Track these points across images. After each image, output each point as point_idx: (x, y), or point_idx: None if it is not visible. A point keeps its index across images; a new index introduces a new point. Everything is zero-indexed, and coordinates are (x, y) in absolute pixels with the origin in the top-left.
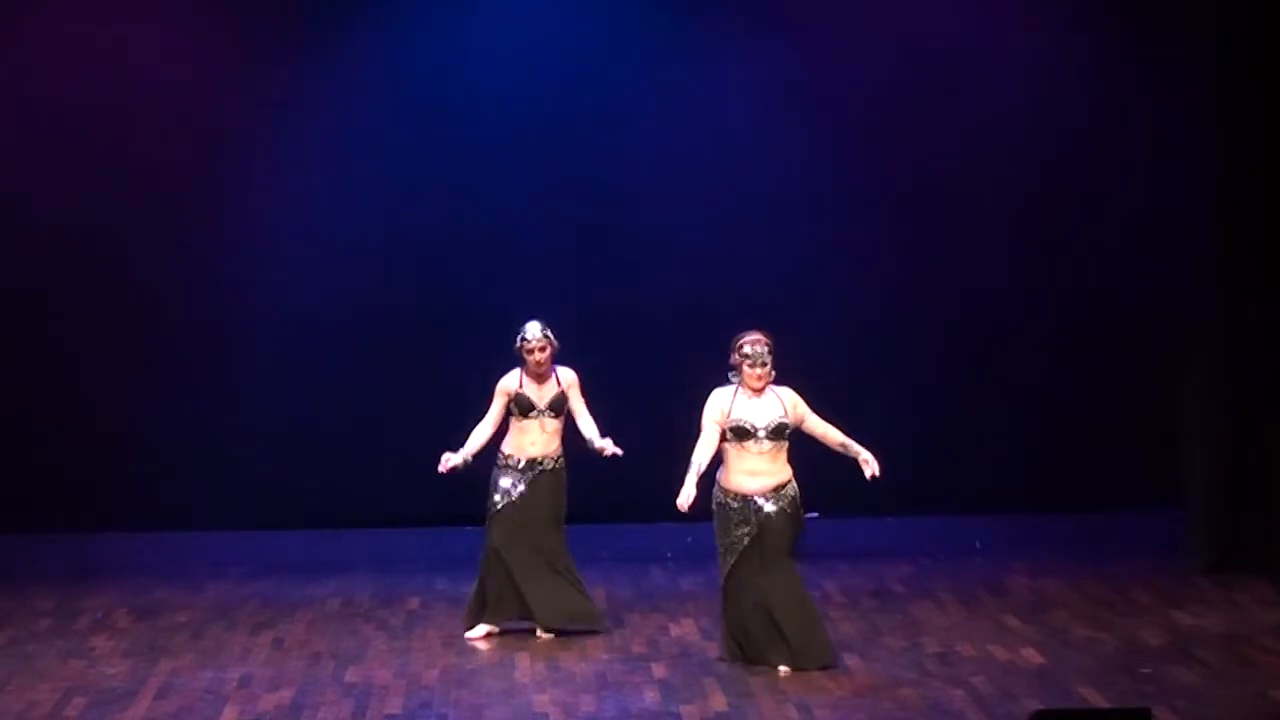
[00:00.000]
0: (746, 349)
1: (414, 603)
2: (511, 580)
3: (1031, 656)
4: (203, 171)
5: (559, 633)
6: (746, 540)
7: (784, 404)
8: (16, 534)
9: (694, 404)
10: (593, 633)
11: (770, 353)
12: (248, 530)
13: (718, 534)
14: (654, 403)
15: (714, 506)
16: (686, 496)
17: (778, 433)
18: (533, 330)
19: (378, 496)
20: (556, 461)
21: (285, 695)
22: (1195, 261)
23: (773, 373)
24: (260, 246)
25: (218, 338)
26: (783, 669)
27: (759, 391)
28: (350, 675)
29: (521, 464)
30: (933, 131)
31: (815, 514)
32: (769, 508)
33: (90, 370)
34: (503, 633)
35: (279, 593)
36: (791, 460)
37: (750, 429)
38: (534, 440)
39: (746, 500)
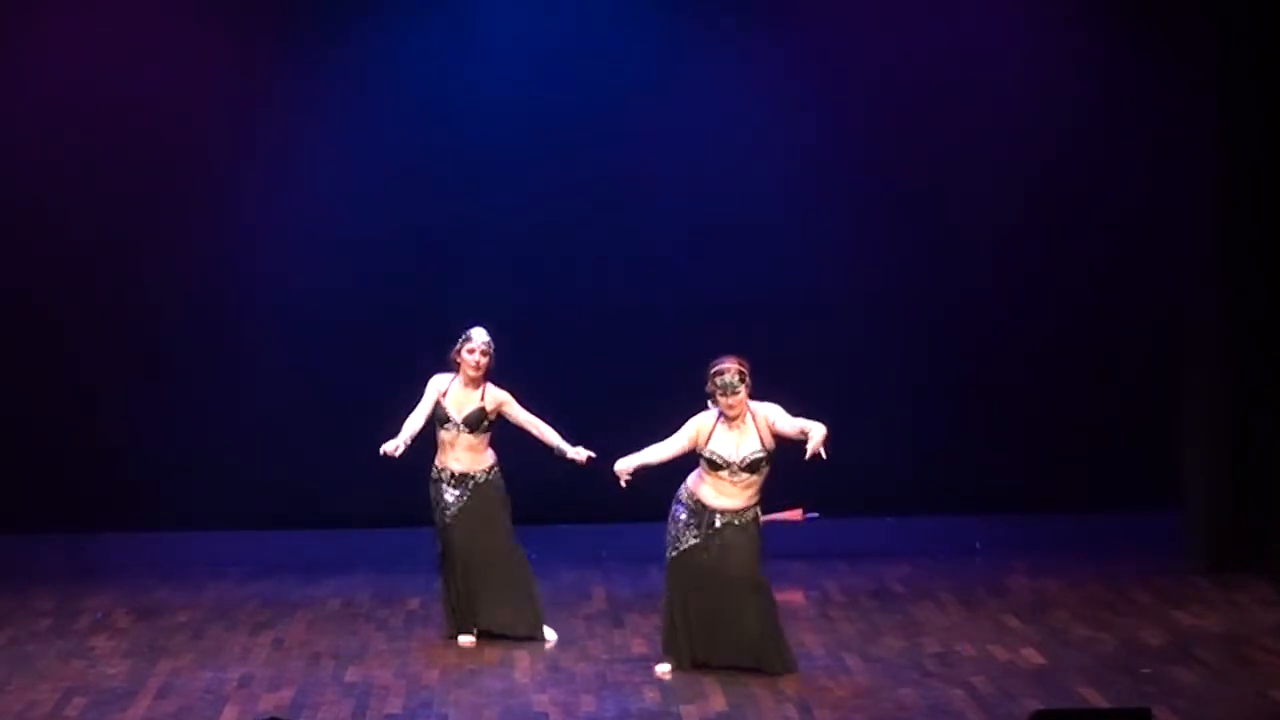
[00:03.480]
0: (718, 378)
1: (414, 603)
2: (468, 594)
3: (1031, 656)
4: (203, 171)
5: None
6: (691, 542)
7: (760, 433)
8: (16, 534)
9: (696, 403)
10: (532, 639)
11: (742, 380)
12: (248, 530)
13: (669, 532)
14: (656, 401)
15: (675, 504)
16: (624, 467)
17: (752, 468)
18: (479, 333)
19: (378, 496)
20: (489, 474)
21: (285, 695)
22: (1195, 261)
23: (746, 400)
24: (261, 247)
25: (218, 338)
26: (663, 670)
27: (736, 419)
28: (350, 675)
29: (451, 478)
30: (932, 131)
31: (815, 514)
32: (723, 522)
33: (90, 370)
34: (500, 634)
35: (279, 593)
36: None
37: (723, 463)
38: (457, 456)
39: (704, 510)
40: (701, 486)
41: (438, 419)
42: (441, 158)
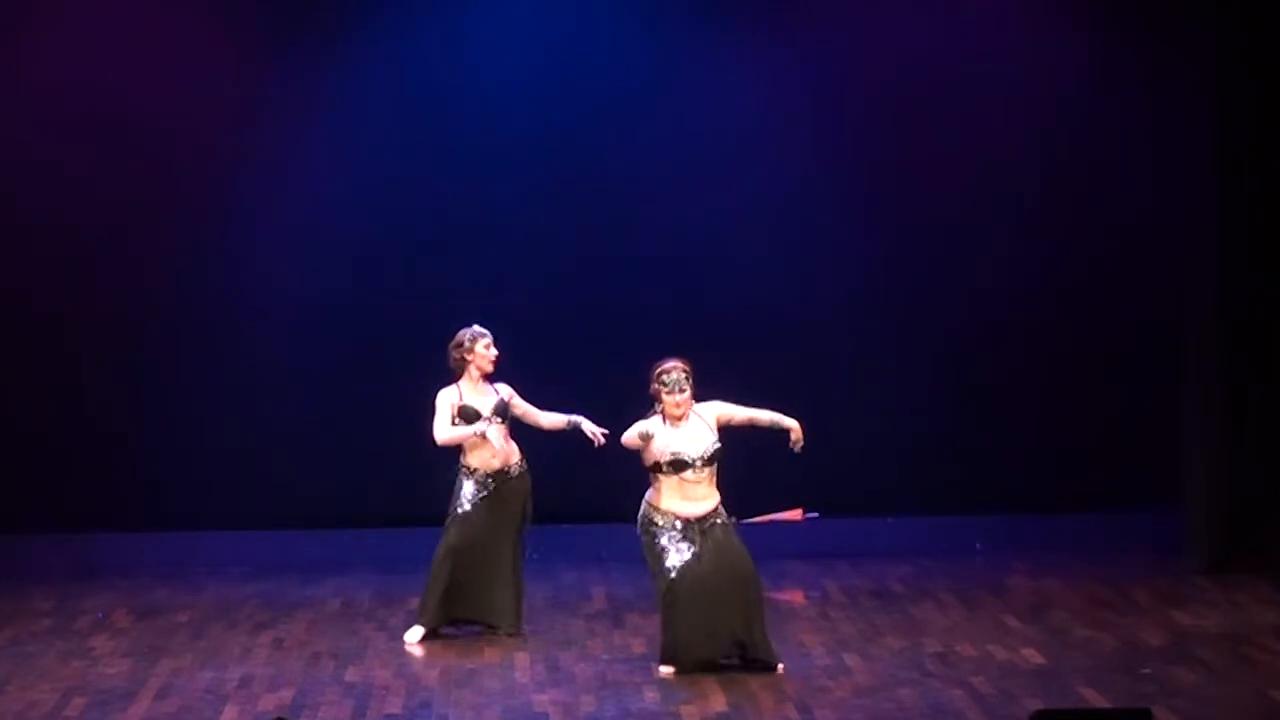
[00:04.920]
0: (665, 377)
1: (414, 603)
2: (460, 583)
3: (1031, 656)
4: (203, 172)
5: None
6: (687, 556)
7: (709, 426)
8: (16, 534)
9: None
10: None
11: (689, 380)
12: (248, 530)
13: (653, 556)
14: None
15: (648, 528)
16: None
17: (712, 459)
18: (484, 330)
19: (378, 496)
20: (521, 466)
21: (285, 695)
22: (1195, 261)
23: (691, 400)
24: (260, 247)
25: (218, 338)
26: (667, 670)
27: (681, 419)
28: (350, 675)
29: (487, 476)
30: (933, 133)
31: (815, 514)
32: (708, 525)
33: (91, 370)
34: (498, 633)
35: (279, 593)
36: (777, 461)
37: (688, 460)
38: (494, 452)
39: (689, 524)
40: (670, 501)
41: (465, 419)
42: (444, 160)
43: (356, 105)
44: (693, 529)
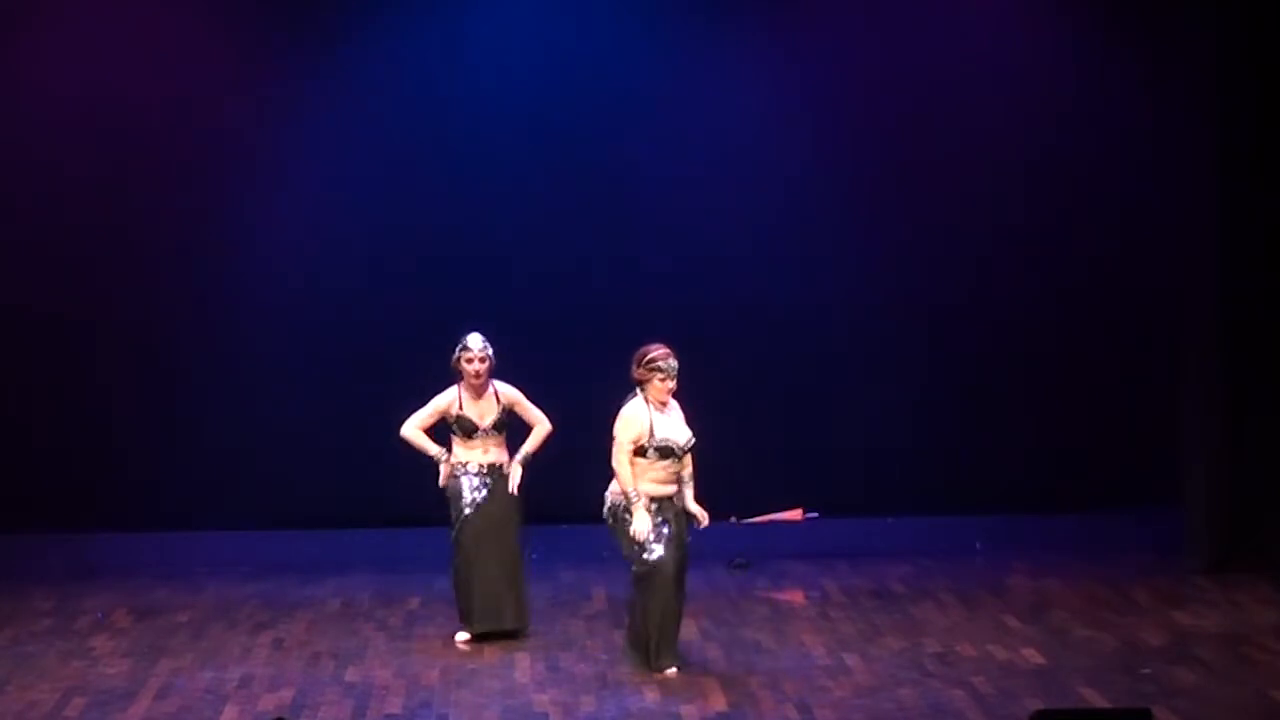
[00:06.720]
0: (659, 363)
1: (414, 603)
2: (481, 587)
3: (1031, 656)
4: (202, 174)
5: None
6: (668, 551)
7: (683, 418)
8: (16, 534)
9: (694, 405)
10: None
11: (677, 366)
12: (248, 530)
13: (645, 537)
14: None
15: (638, 510)
16: (648, 525)
17: (690, 450)
18: (475, 340)
19: (378, 496)
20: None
21: (285, 695)
22: (1195, 261)
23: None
24: (261, 247)
25: (218, 338)
26: (671, 671)
27: (665, 405)
28: (350, 675)
29: (481, 469)
30: (933, 133)
31: (815, 514)
32: (676, 510)
33: (91, 371)
34: (498, 634)
35: (279, 593)
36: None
37: (675, 449)
38: (485, 450)
39: (671, 506)
40: (661, 486)
41: (461, 431)
42: (445, 162)
43: (356, 105)
44: (675, 517)
